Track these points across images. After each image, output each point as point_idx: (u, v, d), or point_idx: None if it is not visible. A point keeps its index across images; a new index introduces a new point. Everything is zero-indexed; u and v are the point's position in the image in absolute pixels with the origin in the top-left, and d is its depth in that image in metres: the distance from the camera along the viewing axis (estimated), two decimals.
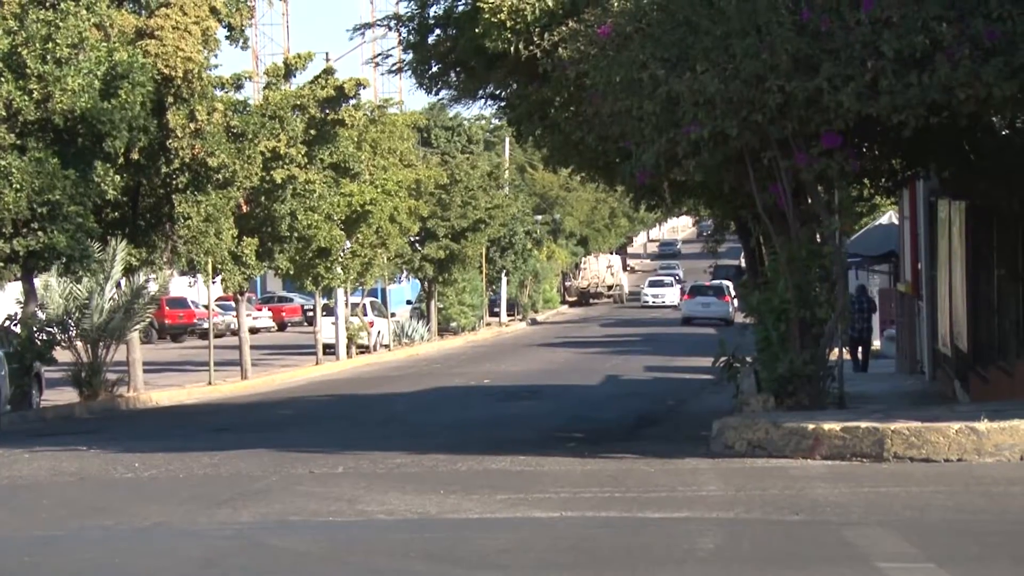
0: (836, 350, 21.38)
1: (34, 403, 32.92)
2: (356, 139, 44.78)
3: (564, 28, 20.22)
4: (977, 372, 21.93)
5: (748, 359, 22.09)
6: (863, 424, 15.93)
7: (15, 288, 36.94)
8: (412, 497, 13.85)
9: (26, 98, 34.96)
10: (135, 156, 35.95)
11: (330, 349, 51.18)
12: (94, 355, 34.98)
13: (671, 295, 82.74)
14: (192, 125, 34.96)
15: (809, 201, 20.31)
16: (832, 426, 15.97)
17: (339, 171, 42.42)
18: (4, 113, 34.65)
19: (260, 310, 69.81)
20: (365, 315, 58.40)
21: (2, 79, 35.26)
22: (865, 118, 17.79)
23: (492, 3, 20.62)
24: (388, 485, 15.17)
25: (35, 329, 33.90)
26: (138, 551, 11.63)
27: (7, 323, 35.22)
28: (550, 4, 20.54)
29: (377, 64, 31.94)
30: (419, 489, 14.51)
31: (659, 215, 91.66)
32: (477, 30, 20.94)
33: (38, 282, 34.58)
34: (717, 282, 73.25)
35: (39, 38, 35.30)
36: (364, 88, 43.85)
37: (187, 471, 17.77)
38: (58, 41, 35.32)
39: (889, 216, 35.10)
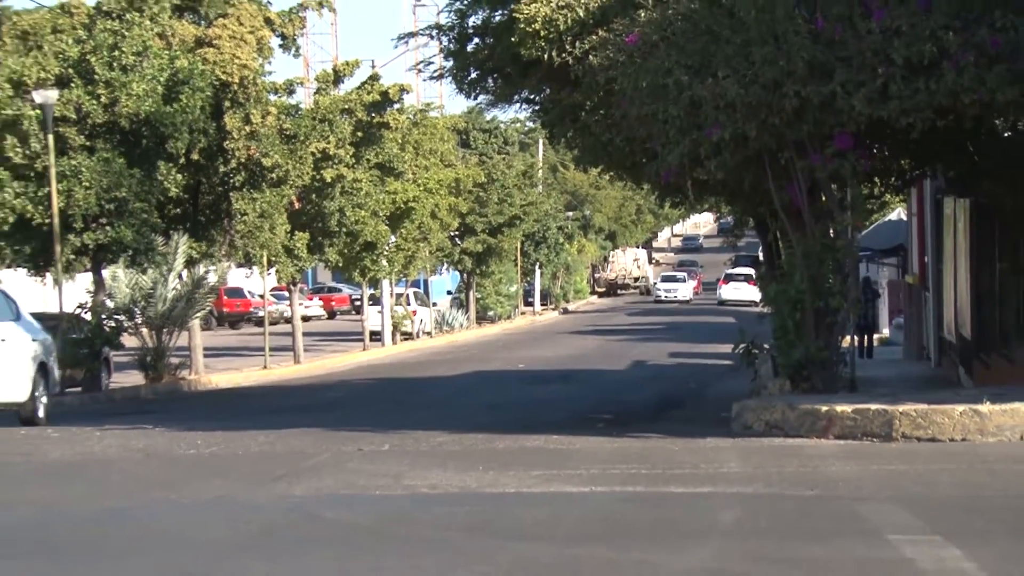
0: (848, 338, 21.45)
1: (103, 385, 33.29)
2: (400, 141, 44.68)
3: (594, 37, 20.16)
4: (980, 359, 21.74)
5: (766, 346, 22.04)
6: (873, 406, 15.88)
7: (85, 279, 37.28)
8: (453, 473, 13.79)
9: (94, 102, 35.22)
10: (195, 156, 36.17)
11: (376, 336, 51.12)
12: (158, 340, 35.12)
13: (684, 290, 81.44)
14: (248, 128, 35.17)
15: (823, 199, 20.23)
16: (844, 408, 15.96)
17: (384, 170, 42.36)
18: (74, 116, 34.99)
19: (311, 299, 69.73)
20: (408, 304, 58.04)
21: (72, 85, 35.57)
22: (876, 121, 17.69)
23: (527, 14, 20.54)
24: (431, 462, 15.12)
25: (104, 316, 34.38)
26: (201, 522, 11.58)
27: (78, 311, 35.31)
28: (581, 14, 20.43)
29: (419, 71, 32.59)
30: (460, 466, 14.43)
31: (682, 212, 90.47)
32: (513, 39, 20.88)
33: (106, 273, 35.12)
34: (745, 271, 72.82)
35: (106, 47, 35.60)
36: (407, 93, 43.70)
37: (245, 448, 17.78)
38: (124, 49, 35.58)
39: (898, 212, 34.80)
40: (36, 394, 21.89)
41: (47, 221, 32.80)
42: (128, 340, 35.75)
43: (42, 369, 22.38)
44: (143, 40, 35.54)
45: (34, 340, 22.23)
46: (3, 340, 21.63)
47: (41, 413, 22.21)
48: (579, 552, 9.28)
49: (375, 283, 49.16)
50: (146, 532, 11.29)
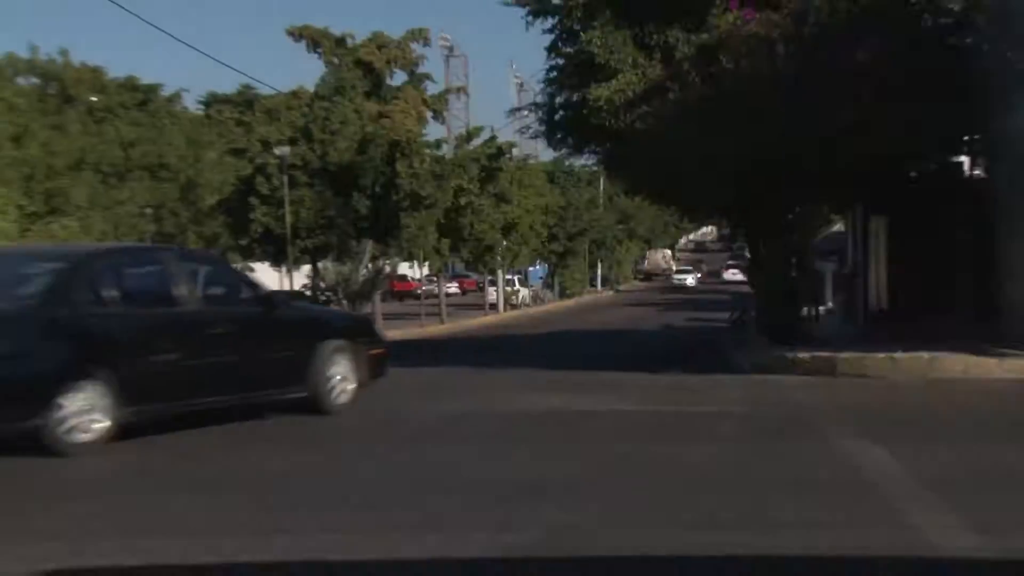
0: (805, 309, 21.22)
1: None
2: (509, 178, 44.46)
3: (639, 111, 20.26)
4: (893, 323, 22.00)
5: (752, 313, 22.51)
6: (823, 353, 15.83)
7: (306, 269, 39.27)
8: (545, 396, 13.65)
9: (313, 155, 36.39)
10: (377, 190, 36.59)
11: (493, 306, 51.17)
12: (353, 309, 36.68)
13: (690, 279, 79.09)
14: (410, 171, 35.54)
15: (791, 219, 20.10)
16: (804, 355, 15.90)
17: (499, 198, 42.12)
18: (300, 164, 36.41)
19: (451, 283, 70.73)
20: (515, 285, 58.57)
21: (299, 143, 36.57)
22: (826, 168, 17.34)
23: (595, 96, 20.30)
24: (531, 389, 14.89)
25: (319, 293, 35.91)
26: (406, 423, 11.25)
27: (302, 289, 38.03)
28: (631, 95, 20.91)
29: (522, 132, 32.27)
30: (549, 391, 14.26)
31: (695, 225, 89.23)
32: (585, 112, 20.87)
33: (320, 265, 36.74)
34: (739, 262, 73.95)
35: (321, 118, 36.56)
36: (514, 148, 44.34)
37: (419, 378, 17.81)
38: (332, 120, 36.52)
39: (839, 226, 34.41)
40: None
41: (282, 231, 34.33)
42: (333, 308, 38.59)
43: None
44: (344, 114, 36.17)
45: None
46: None
47: None
48: (628, 448, 9.29)
49: (493, 272, 48.92)
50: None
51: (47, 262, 9.82)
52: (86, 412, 8.41)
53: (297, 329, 10.98)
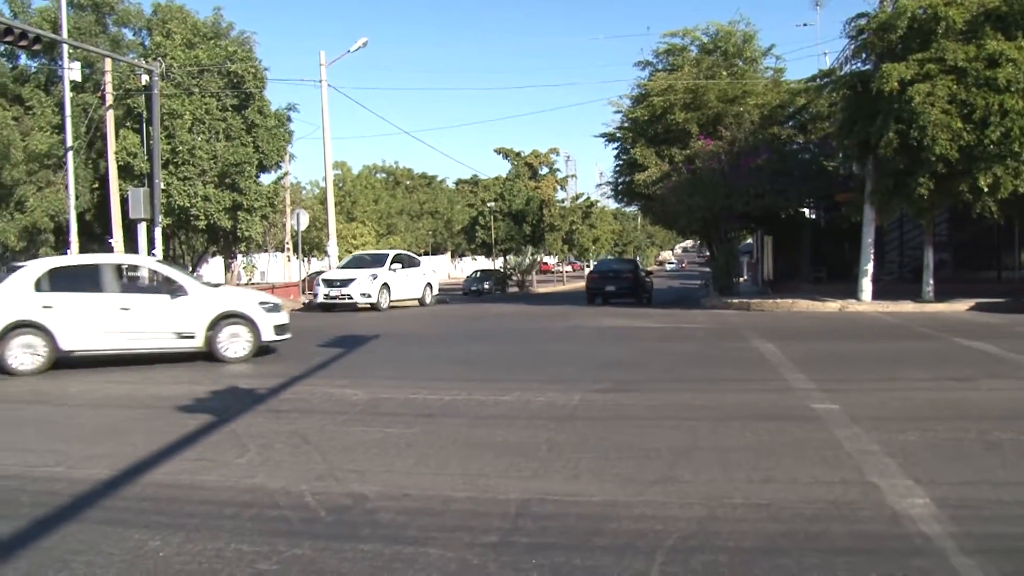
0: (733, 279, 24.03)
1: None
2: (594, 216, 51.29)
3: (657, 186, 23.18)
4: (776, 287, 24.17)
5: (710, 282, 24.83)
6: (744, 300, 18.67)
7: (500, 260, 46.21)
8: (613, 319, 15.01)
9: (504, 205, 44.01)
10: (534, 222, 45.02)
11: None
12: (522, 279, 43.00)
13: (676, 266, 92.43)
14: (550, 214, 44.67)
15: (729, 236, 23.64)
16: (734, 300, 18.91)
17: (590, 226, 49.19)
18: (498, 210, 43.26)
19: (568, 266, 76.63)
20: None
21: (498, 201, 45.08)
22: (744, 212, 21.30)
23: (637, 179, 23.69)
24: (605, 315, 16.26)
25: (502, 271, 42.71)
26: (550, 331, 12.71)
27: (498, 269, 42.93)
28: (653, 178, 23.35)
29: (602, 193, 35.90)
30: (615, 317, 15.78)
31: (683, 238, 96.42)
32: (632, 187, 24.22)
33: (507, 257, 44.01)
34: (700, 257, 79.85)
35: (508, 189, 44.97)
36: (598, 200, 50.40)
37: (556, 310, 18.66)
38: (513, 190, 44.75)
39: (750, 239, 37.28)
40: (425, 296, 21.48)
41: (490, 242, 41.85)
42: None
43: (428, 286, 21.95)
44: (519, 187, 44.38)
45: (424, 275, 21.66)
46: (422, 275, 21.62)
47: (428, 301, 21.47)
48: (651, 345, 10.71)
49: (587, 261, 55.78)
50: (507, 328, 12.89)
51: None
52: None
53: None
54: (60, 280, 9.53)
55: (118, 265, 10.13)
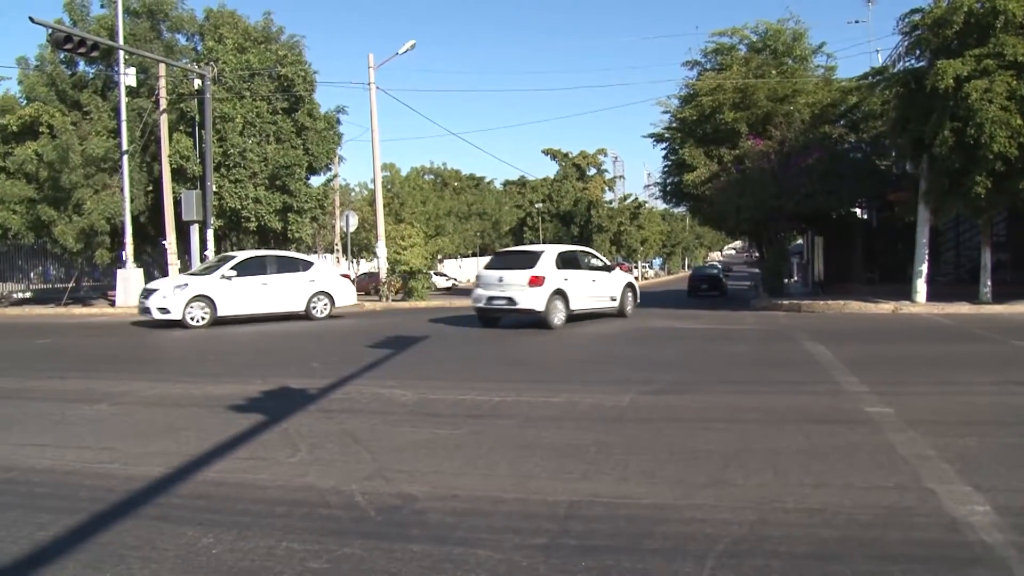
0: (784, 280, 24.34)
1: None
2: (643, 216, 52.18)
3: (710, 185, 23.72)
4: (827, 288, 24.15)
5: (760, 283, 25.19)
6: (794, 301, 18.66)
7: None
8: (664, 320, 15.44)
9: (552, 206, 43.20)
10: (581, 223, 45.19)
11: (637, 277, 55.05)
12: None
13: (721, 268, 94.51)
14: (598, 215, 46.62)
15: (778, 236, 23.98)
16: (784, 301, 18.89)
17: (639, 227, 49.38)
18: (546, 211, 41.35)
19: (619, 267, 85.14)
20: (651, 267, 66.45)
21: (546, 202, 45.12)
22: (794, 212, 21.62)
23: (687, 179, 24.34)
24: (658, 317, 16.37)
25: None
26: (605, 331, 12.73)
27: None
28: (702, 179, 23.99)
29: (651, 194, 34.77)
30: (667, 318, 15.95)
31: (732, 239, 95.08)
32: (681, 187, 24.80)
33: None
34: (749, 257, 79.67)
35: (556, 190, 45.57)
36: (646, 201, 51.59)
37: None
38: (561, 191, 45.36)
39: (800, 240, 37.59)
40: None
41: (535, 242, 42.04)
42: None
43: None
44: (567, 188, 44.50)
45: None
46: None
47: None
48: (702, 345, 10.99)
49: (635, 261, 56.68)
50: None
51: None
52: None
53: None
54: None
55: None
